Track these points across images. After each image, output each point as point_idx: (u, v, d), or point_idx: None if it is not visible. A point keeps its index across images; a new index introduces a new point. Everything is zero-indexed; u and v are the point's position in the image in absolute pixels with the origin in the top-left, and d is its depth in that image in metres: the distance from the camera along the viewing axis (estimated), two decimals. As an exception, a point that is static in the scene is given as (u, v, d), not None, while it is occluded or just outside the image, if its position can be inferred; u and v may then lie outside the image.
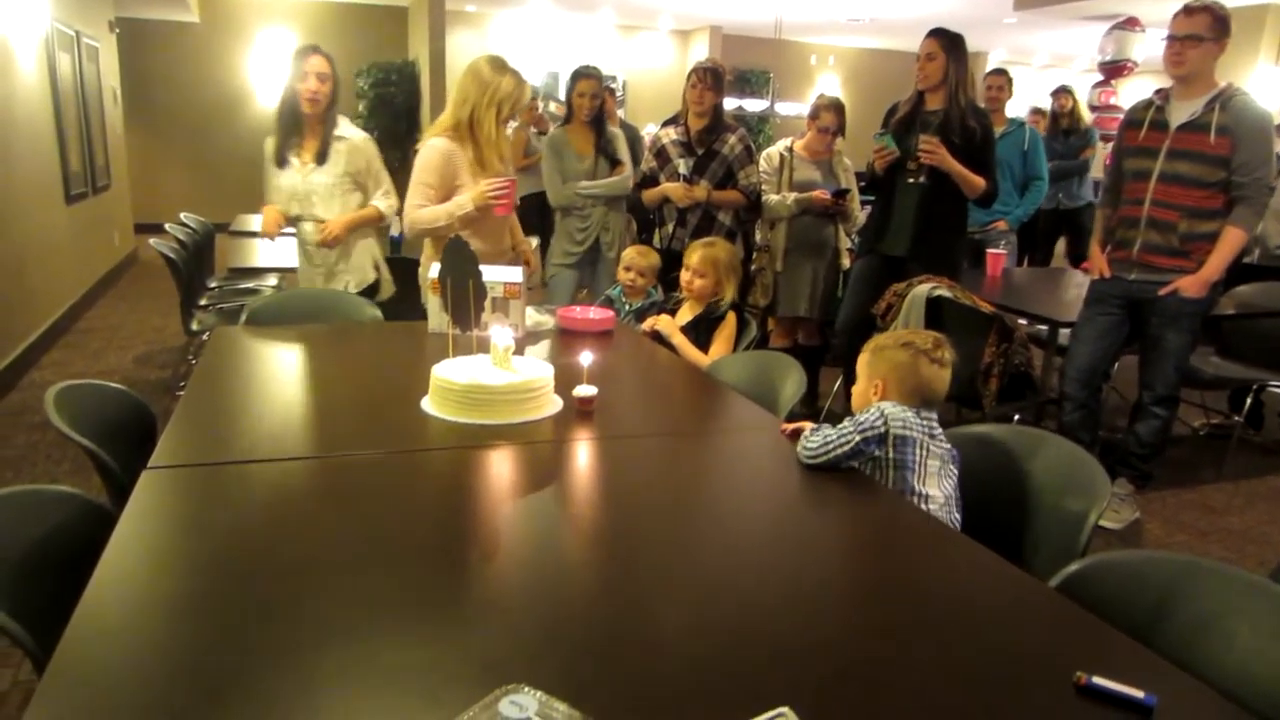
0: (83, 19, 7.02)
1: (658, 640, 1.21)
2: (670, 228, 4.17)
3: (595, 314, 3.05)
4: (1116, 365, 4.37)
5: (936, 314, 3.50)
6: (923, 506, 1.82)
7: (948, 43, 3.64)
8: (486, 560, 1.42)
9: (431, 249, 3.26)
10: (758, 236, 4.55)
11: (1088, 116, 6.67)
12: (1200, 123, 3.12)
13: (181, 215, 5.54)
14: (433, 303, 2.75)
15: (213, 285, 5.25)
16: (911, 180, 3.77)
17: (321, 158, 3.38)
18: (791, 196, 4.25)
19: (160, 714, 1.00)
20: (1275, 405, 4.72)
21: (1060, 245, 6.68)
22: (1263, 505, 3.78)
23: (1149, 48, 3.78)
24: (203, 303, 4.74)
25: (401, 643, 1.15)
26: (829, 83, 13.27)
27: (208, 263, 5.50)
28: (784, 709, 1.01)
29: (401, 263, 3.83)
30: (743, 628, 1.25)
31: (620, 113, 8.49)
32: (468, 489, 1.74)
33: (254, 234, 5.08)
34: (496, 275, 2.68)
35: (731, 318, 3.09)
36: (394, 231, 4.59)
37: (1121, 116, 3.60)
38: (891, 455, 1.85)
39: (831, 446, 1.82)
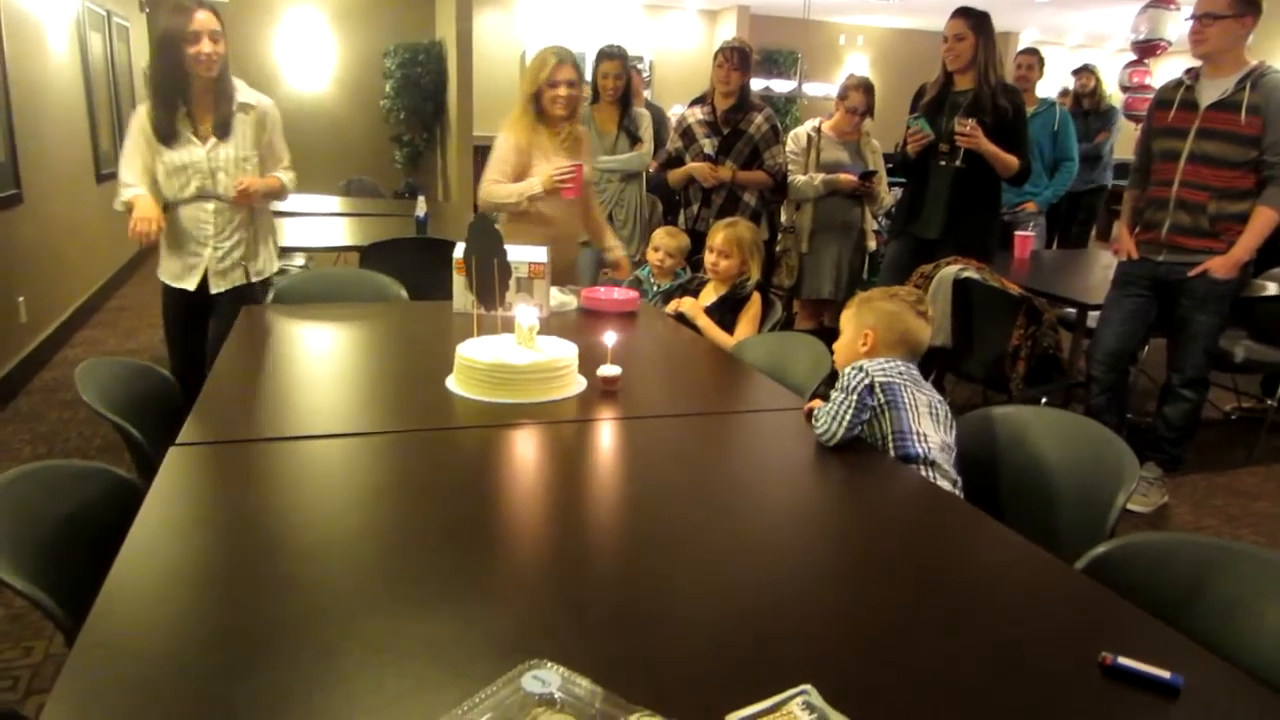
0: (113, -1, 7.07)
1: (680, 618, 1.21)
2: (695, 208, 4.15)
3: (620, 294, 3.05)
4: (1146, 348, 4.32)
5: (964, 296, 3.47)
6: (922, 446, 1.84)
7: (975, 22, 3.60)
8: (510, 537, 1.43)
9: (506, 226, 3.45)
10: (783, 217, 4.52)
11: (1116, 98, 6.52)
12: (1231, 102, 3.06)
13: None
14: (458, 282, 2.76)
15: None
16: (944, 163, 3.74)
17: (224, 130, 2.95)
18: (819, 177, 4.22)
19: (188, 684, 1.01)
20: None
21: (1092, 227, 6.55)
22: (1295, 490, 3.74)
23: (1183, 27, 3.71)
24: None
25: (425, 617, 1.16)
26: (857, 63, 13.11)
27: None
28: (806, 687, 1.01)
29: (430, 243, 3.85)
30: (765, 606, 1.25)
31: (646, 93, 8.46)
32: (492, 467, 1.75)
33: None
34: (521, 255, 2.68)
35: (756, 298, 3.08)
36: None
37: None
38: (882, 400, 1.88)
39: (838, 417, 1.84)
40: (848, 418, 1.83)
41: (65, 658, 1.05)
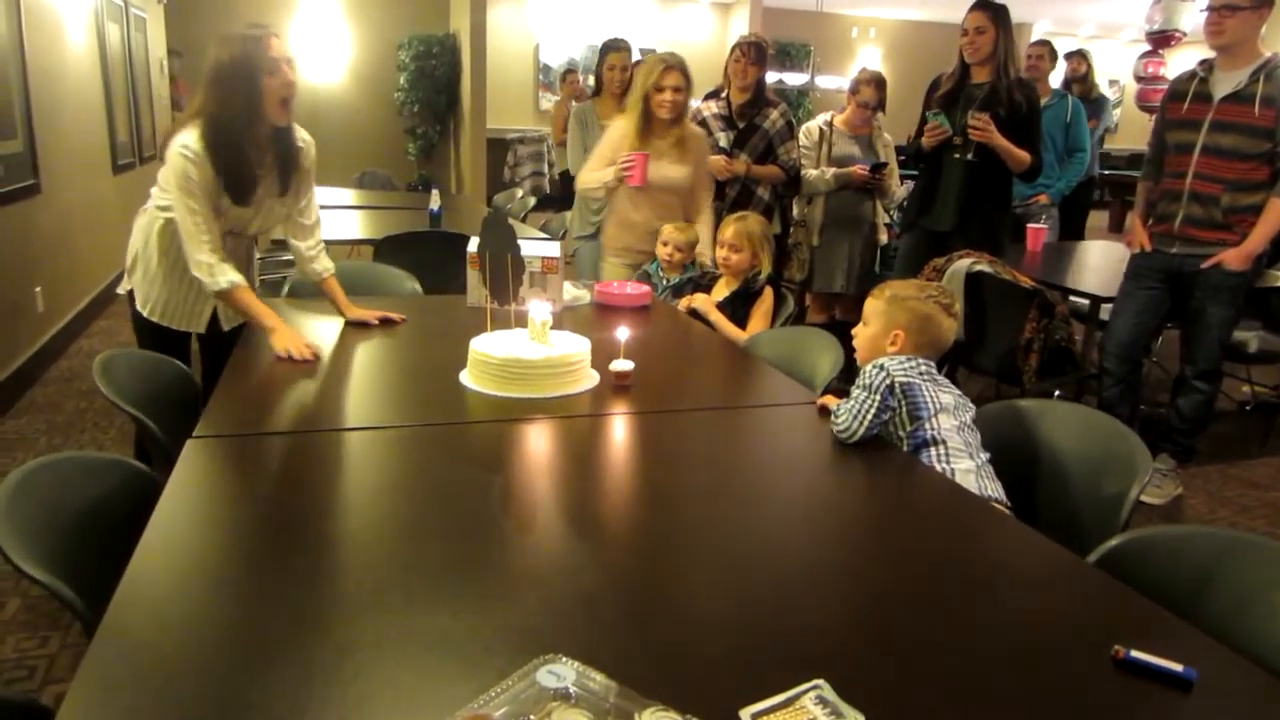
0: (132, -11, 7.10)
1: (694, 613, 1.22)
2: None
3: (632, 289, 3.05)
4: (1160, 340, 4.30)
5: (976, 289, 3.46)
6: (940, 451, 1.81)
7: (995, 15, 3.59)
8: (524, 532, 1.44)
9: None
10: (794, 211, 4.51)
11: (1130, 89, 6.42)
12: (1245, 94, 3.05)
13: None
14: (472, 276, 2.77)
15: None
16: (958, 156, 3.73)
17: (286, 183, 2.48)
18: (830, 171, 4.21)
19: (206, 677, 1.03)
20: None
21: (1100, 218, 6.44)
22: (1309, 482, 3.73)
23: (1198, 17, 3.69)
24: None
25: (440, 612, 1.18)
26: (870, 56, 13.05)
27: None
28: (819, 681, 1.02)
29: (444, 237, 3.87)
30: (778, 600, 1.26)
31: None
32: (505, 462, 1.76)
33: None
34: (534, 249, 2.69)
35: (769, 293, 3.08)
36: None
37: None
38: (902, 399, 1.86)
39: (860, 415, 1.83)
40: (869, 417, 1.82)
41: (81, 648, 1.07)
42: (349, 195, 6.20)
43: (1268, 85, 3.01)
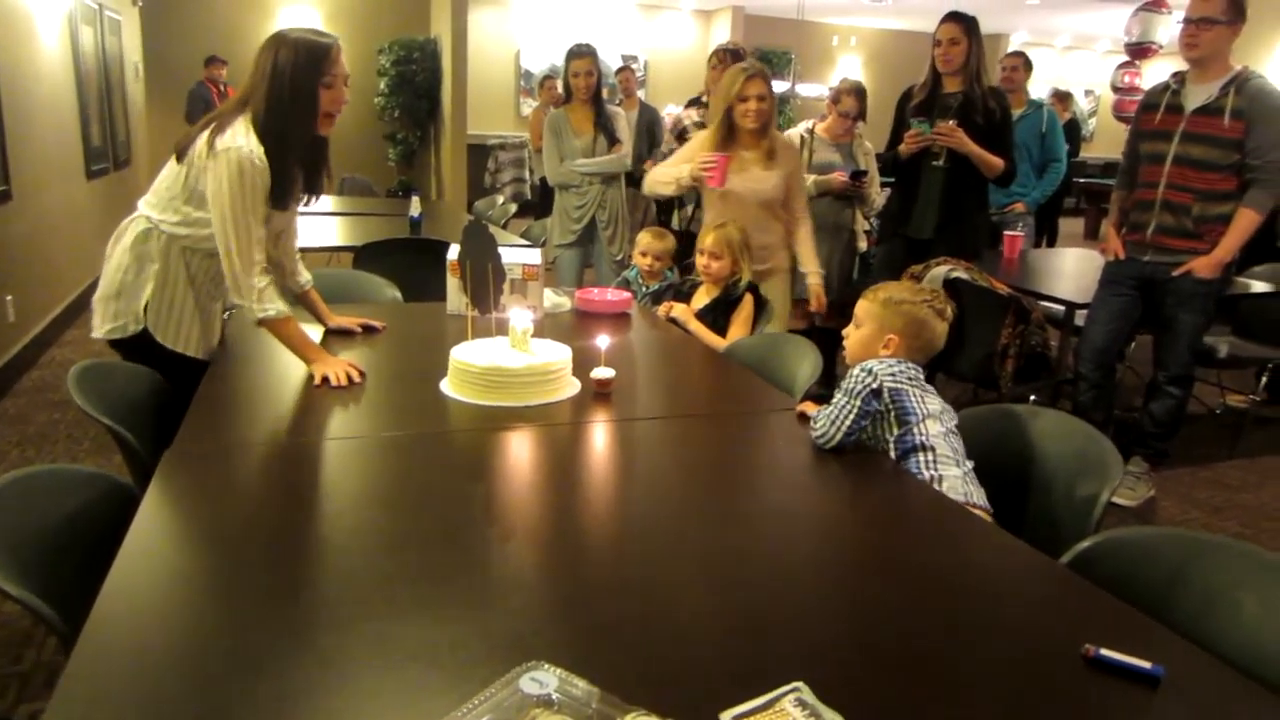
0: (106, -7, 7.05)
1: (675, 618, 1.23)
2: (690, 209, 4.17)
3: (613, 296, 3.06)
4: (1133, 345, 4.36)
5: (954, 296, 3.49)
6: (929, 457, 1.83)
7: (969, 27, 3.67)
8: (506, 540, 1.45)
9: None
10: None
11: (1106, 100, 6.54)
12: (1215, 106, 3.11)
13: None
14: (452, 284, 2.77)
15: None
16: (936, 164, 3.77)
17: (313, 187, 2.39)
18: (810, 179, 4.23)
19: (187, 690, 1.02)
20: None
21: (1075, 225, 6.57)
22: (1278, 481, 3.79)
23: (1174, 29, 3.75)
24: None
25: (423, 621, 1.18)
26: (850, 64, 13.15)
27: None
28: (798, 684, 1.04)
29: (424, 244, 3.87)
30: (757, 605, 1.27)
31: (640, 93, 8.46)
32: (487, 470, 1.77)
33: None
34: (515, 257, 2.69)
35: (749, 299, 3.10)
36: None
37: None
38: (889, 403, 1.87)
39: (838, 421, 1.84)
40: (847, 423, 1.84)
41: (56, 666, 1.06)
42: (328, 201, 6.15)
43: (1238, 98, 3.07)
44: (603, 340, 2.18)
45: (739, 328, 3.04)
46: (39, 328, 4.95)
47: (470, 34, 9.38)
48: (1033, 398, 3.89)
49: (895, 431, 1.87)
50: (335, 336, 2.55)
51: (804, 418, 2.00)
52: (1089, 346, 3.54)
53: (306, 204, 2.38)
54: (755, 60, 3.28)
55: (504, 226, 5.66)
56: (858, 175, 4.24)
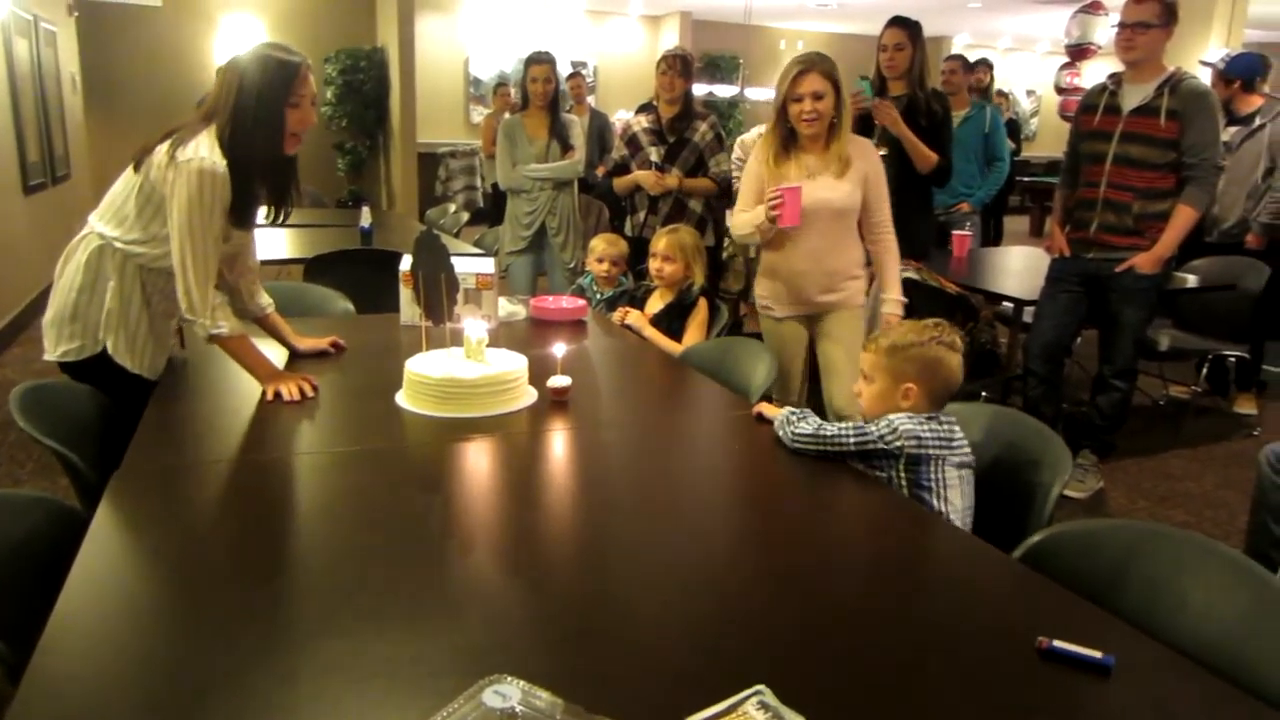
0: (41, 3, 6.86)
1: (636, 626, 1.24)
2: (642, 215, 4.18)
3: (568, 304, 3.06)
4: (1079, 340, 4.46)
5: (904, 295, 3.54)
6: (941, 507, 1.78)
7: (913, 33, 3.76)
8: (466, 553, 1.44)
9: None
10: (729, 223, 4.57)
11: (1050, 100, 6.65)
12: (1151, 106, 3.20)
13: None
14: (405, 294, 2.75)
15: None
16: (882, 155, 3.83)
17: (281, 205, 2.32)
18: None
19: (143, 716, 1.01)
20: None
21: (1020, 223, 6.68)
22: (1219, 470, 3.91)
23: (1111, 31, 3.86)
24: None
25: (384, 637, 1.17)
26: (797, 66, 13.26)
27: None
28: (760, 687, 1.05)
29: (375, 254, 3.82)
30: (718, 610, 1.28)
31: (590, 99, 8.47)
32: (445, 483, 1.76)
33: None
34: (468, 266, 2.68)
35: (703, 304, 3.12)
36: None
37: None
38: (904, 474, 1.77)
39: (823, 442, 1.80)
40: (826, 449, 1.79)
41: (5, 695, 1.03)
42: (277, 213, 6.08)
43: (1172, 99, 3.16)
44: (559, 348, 2.18)
45: (694, 333, 3.05)
46: (-22, 348, 4.82)
47: (418, 42, 9.31)
48: (983, 394, 3.97)
49: (907, 480, 1.79)
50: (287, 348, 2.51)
51: (761, 419, 2.02)
52: (1037, 343, 3.62)
53: (280, 222, 2.32)
54: (815, 52, 2.74)
55: (456, 235, 5.63)
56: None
